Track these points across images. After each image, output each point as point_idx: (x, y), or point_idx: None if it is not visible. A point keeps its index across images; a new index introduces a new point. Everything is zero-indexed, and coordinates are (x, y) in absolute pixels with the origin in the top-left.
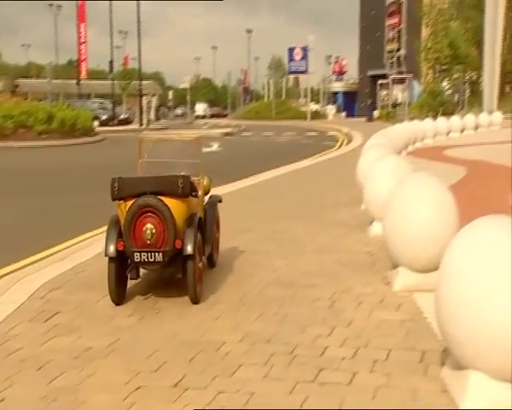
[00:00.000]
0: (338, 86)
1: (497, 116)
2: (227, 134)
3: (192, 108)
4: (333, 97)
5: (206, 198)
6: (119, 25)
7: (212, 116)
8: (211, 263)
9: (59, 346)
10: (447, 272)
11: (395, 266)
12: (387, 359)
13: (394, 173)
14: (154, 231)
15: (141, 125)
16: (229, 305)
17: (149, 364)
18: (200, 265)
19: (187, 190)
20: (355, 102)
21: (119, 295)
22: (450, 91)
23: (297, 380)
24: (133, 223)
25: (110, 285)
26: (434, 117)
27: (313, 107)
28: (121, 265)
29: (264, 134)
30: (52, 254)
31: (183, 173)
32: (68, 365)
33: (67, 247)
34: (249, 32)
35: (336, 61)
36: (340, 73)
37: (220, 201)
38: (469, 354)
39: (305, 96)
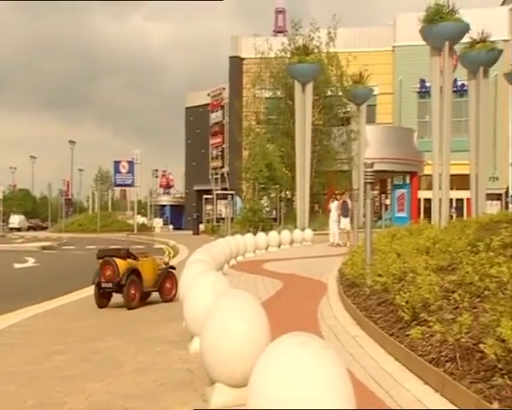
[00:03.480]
0: (165, 200)
1: (309, 232)
2: (46, 248)
3: (6, 220)
4: (160, 210)
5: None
6: None
7: (30, 228)
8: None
9: None
10: (253, 388)
11: (213, 383)
12: None
13: (213, 289)
14: (109, 273)
15: None
16: None
17: None
18: (132, 292)
19: (125, 255)
20: (182, 216)
21: (101, 303)
22: (268, 208)
23: None
24: (102, 269)
25: (95, 298)
26: (255, 232)
27: (140, 219)
28: (99, 289)
29: (87, 247)
30: None
31: (124, 247)
32: None
33: None
34: (72, 142)
35: (163, 175)
36: (168, 187)
37: (173, 267)
38: None
39: (132, 208)
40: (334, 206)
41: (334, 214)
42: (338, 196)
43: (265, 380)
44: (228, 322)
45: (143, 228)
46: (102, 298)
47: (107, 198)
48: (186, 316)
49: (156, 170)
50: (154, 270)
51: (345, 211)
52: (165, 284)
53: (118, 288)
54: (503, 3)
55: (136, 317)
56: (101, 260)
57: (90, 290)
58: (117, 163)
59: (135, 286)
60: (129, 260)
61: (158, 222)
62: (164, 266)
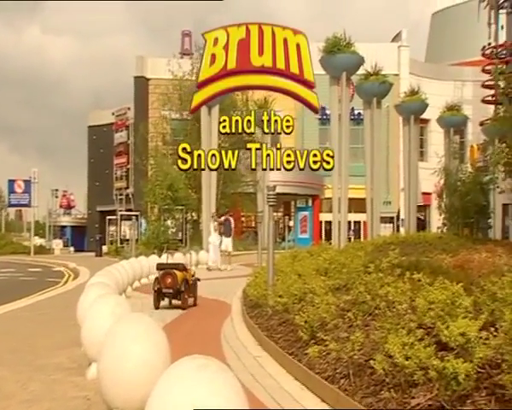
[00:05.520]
0: (66, 220)
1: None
2: None
3: None
4: (60, 231)
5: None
6: None
7: None
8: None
9: None
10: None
11: (110, 409)
12: None
13: (113, 313)
14: (169, 281)
15: None
16: None
17: None
18: (186, 297)
19: (182, 268)
20: (84, 237)
21: (157, 305)
22: (174, 230)
23: None
24: (163, 278)
25: (154, 302)
26: (159, 254)
27: (38, 241)
28: (158, 294)
29: None
30: None
31: (182, 262)
32: None
33: None
34: None
35: (64, 195)
36: (68, 207)
37: (199, 279)
38: None
39: (29, 229)
40: (213, 226)
41: (213, 236)
42: (217, 216)
43: (163, 404)
44: (126, 346)
45: (41, 250)
46: (158, 302)
47: (1, 219)
48: (84, 341)
49: (56, 190)
50: (190, 280)
51: (227, 231)
52: (195, 292)
53: (177, 293)
54: (392, 40)
55: (29, 343)
56: (161, 271)
57: None
58: (12, 182)
59: (187, 292)
60: (183, 272)
61: (57, 244)
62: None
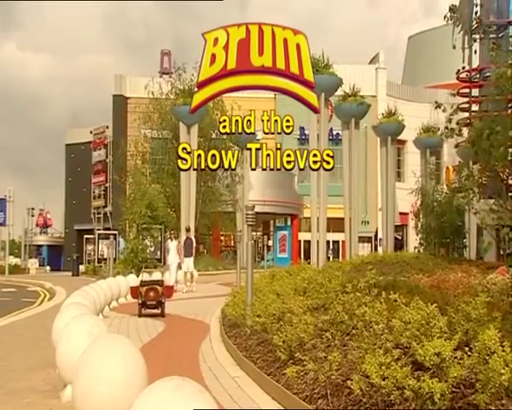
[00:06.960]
0: (42, 239)
1: (194, 273)
2: None
3: None
4: (36, 251)
5: None
6: None
7: None
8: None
9: None
10: None
11: None
12: None
13: (89, 334)
14: (152, 294)
15: None
16: None
17: None
18: (164, 306)
19: (162, 284)
20: (61, 256)
21: (140, 314)
22: (152, 248)
23: None
24: (146, 292)
25: (138, 311)
26: (138, 273)
27: (13, 260)
28: (142, 306)
29: None
30: None
31: (161, 279)
32: None
33: None
34: None
35: (40, 214)
36: (45, 226)
37: None
38: None
39: (4, 249)
40: (172, 245)
41: (172, 255)
42: (175, 234)
43: None
44: (102, 367)
45: (16, 270)
46: (141, 311)
47: None
48: (59, 363)
49: (32, 208)
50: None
51: (188, 250)
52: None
53: (159, 304)
54: (370, 62)
55: (2, 365)
56: (145, 287)
57: None
58: None
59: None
60: (162, 287)
61: (33, 263)
62: None
